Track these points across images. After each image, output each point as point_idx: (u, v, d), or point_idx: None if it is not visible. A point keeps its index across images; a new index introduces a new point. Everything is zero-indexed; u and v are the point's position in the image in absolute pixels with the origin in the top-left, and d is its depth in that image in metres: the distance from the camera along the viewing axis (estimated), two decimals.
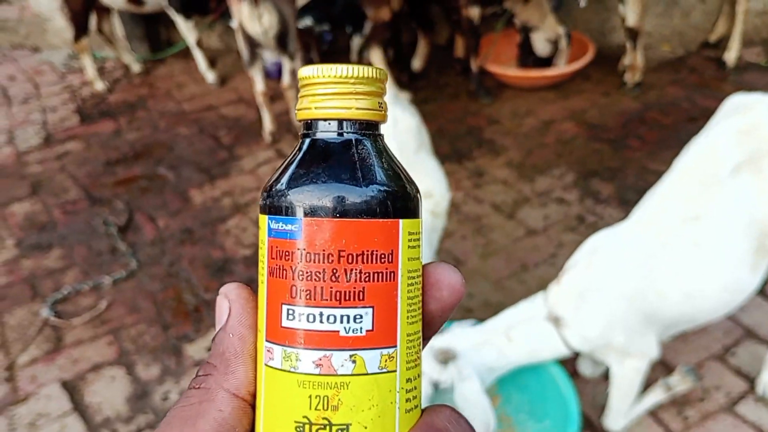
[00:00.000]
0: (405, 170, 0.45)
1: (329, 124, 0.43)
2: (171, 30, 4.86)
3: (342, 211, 0.41)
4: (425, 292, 0.45)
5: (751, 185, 1.69)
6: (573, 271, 1.80)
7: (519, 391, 2.03)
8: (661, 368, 2.17)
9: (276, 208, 0.42)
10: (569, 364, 2.06)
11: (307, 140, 0.44)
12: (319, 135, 0.44)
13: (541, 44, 4.06)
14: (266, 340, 0.42)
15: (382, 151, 0.44)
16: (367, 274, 0.41)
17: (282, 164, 0.45)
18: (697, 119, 3.51)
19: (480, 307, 2.49)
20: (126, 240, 3.03)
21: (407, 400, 0.42)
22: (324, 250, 0.40)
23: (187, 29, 4.30)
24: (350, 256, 0.41)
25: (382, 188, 0.42)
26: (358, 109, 0.43)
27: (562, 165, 3.35)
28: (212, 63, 4.59)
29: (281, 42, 3.31)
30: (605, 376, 2.09)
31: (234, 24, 3.49)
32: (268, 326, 0.42)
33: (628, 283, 1.72)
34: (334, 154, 0.43)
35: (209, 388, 0.42)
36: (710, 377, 2.19)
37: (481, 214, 3.03)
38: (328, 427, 0.40)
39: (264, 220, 0.43)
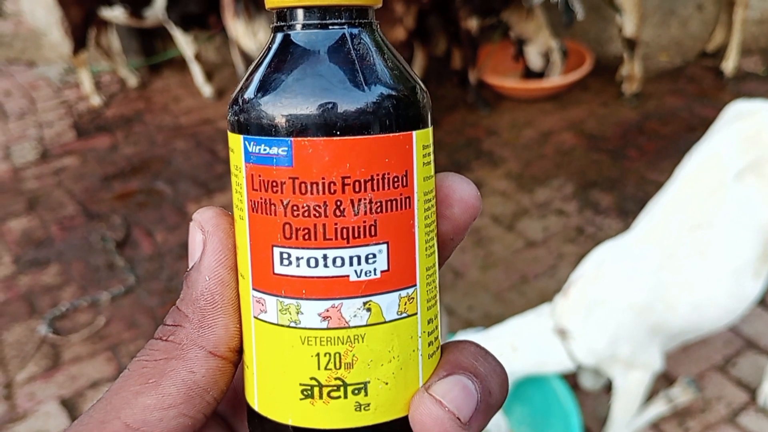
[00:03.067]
0: (410, 67, 0.38)
1: (312, 12, 0.35)
2: (168, 43, 4.86)
3: (344, 126, 0.33)
4: None
5: (756, 191, 1.68)
6: (580, 283, 1.78)
7: (521, 404, 2.01)
8: (662, 379, 2.16)
9: (254, 125, 0.35)
10: (570, 376, 2.04)
11: (281, 35, 0.36)
12: (299, 27, 0.36)
13: (534, 57, 4.05)
14: (254, 289, 0.36)
15: (382, 45, 0.36)
16: (378, 204, 0.34)
17: (257, 65, 0.37)
18: (696, 129, 3.50)
19: (480, 320, 2.47)
20: (124, 255, 3.02)
21: (429, 344, 0.37)
22: (323, 178, 0.33)
23: (185, 43, 4.30)
24: (357, 184, 0.34)
25: (389, 93, 0.35)
26: None
27: (561, 176, 3.34)
28: (209, 76, 4.58)
29: None
30: (607, 388, 2.07)
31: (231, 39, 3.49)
32: (255, 272, 0.36)
33: (637, 295, 1.71)
34: (325, 52, 0.35)
35: (180, 343, 0.36)
36: (711, 388, 2.17)
37: (481, 226, 3.02)
38: (342, 388, 0.35)
39: (238, 140, 0.36)
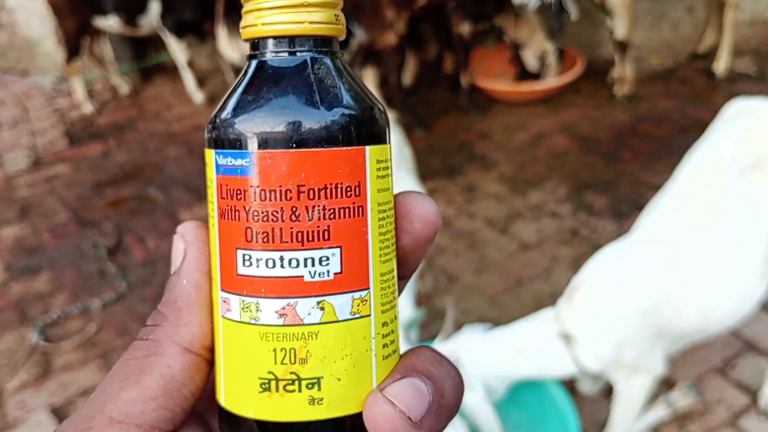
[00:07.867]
0: (369, 91, 0.41)
1: (279, 42, 0.39)
2: (160, 51, 4.85)
3: (299, 140, 0.37)
4: (395, 225, 0.41)
5: (761, 190, 1.66)
6: (584, 287, 1.76)
7: (517, 409, 2.00)
8: (662, 384, 2.14)
9: (222, 140, 0.39)
10: (568, 380, 2.03)
11: (255, 62, 0.40)
12: (268, 55, 0.39)
13: (531, 60, 4.06)
14: (221, 290, 0.39)
15: (342, 70, 0.40)
16: (331, 211, 0.37)
17: (228, 91, 0.41)
18: (689, 130, 3.50)
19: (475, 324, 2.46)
20: (115, 262, 3.00)
21: (384, 345, 0.39)
22: (281, 187, 0.37)
23: (179, 50, 4.30)
24: (311, 192, 0.37)
25: (344, 111, 0.38)
26: (311, 23, 0.38)
27: (555, 178, 3.34)
28: (201, 83, 4.57)
29: None
30: (605, 392, 2.06)
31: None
32: (223, 274, 0.39)
33: (642, 299, 1.69)
34: (286, 75, 0.38)
35: (158, 341, 0.39)
36: (711, 391, 2.16)
37: (474, 230, 3.01)
38: (296, 383, 0.37)
39: (210, 155, 0.40)
